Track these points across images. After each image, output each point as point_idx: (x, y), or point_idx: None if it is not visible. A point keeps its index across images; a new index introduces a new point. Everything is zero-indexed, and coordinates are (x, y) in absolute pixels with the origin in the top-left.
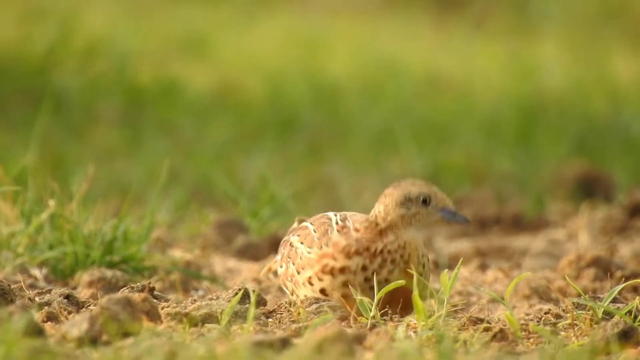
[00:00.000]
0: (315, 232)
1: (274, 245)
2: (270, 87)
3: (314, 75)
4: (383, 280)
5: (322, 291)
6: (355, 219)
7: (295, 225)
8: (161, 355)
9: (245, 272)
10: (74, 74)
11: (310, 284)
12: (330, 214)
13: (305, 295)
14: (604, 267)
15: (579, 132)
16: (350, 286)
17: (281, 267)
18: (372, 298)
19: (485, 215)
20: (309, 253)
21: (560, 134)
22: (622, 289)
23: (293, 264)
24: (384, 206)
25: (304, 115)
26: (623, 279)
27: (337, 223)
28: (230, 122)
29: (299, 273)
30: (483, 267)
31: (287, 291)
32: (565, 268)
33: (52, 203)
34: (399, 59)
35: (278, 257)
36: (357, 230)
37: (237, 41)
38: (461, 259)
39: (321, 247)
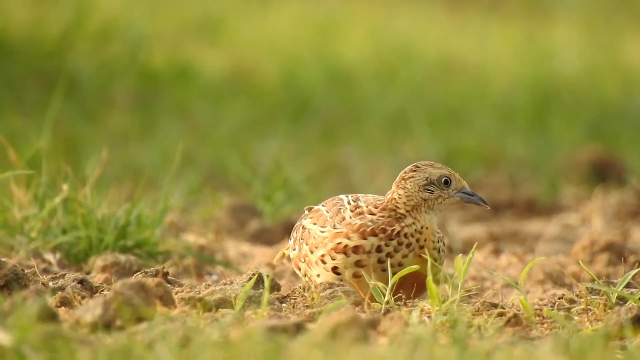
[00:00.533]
0: (327, 212)
1: (287, 229)
2: (285, 70)
3: (327, 59)
4: (397, 263)
5: (334, 269)
6: (369, 201)
7: (305, 213)
8: (175, 340)
9: (259, 257)
10: (88, 56)
11: (323, 262)
12: (342, 196)
13: (318, 275)
14: (617, 252)
15: (592, 116)
16: (363, 269)
17: (294, 249)
18: (385, 281)
19: (498, 199)
20: (322, 232)
21: (573, 118)
22: (636, 273)
23: (306, 244)
24: (404, 190)
25: (317, 99)
26: (636, 263)
27: (349, 204)
28: (244, 106)
29: (312, 252)
30: (497, 252)
31: (299, 273)
32: (579, 253)
33: (65, 187)
34: (412, 43)
35: (290, 241)
36: (371, 212)
37: (252, 25)
38: (475, 244)
39: (334, 227)
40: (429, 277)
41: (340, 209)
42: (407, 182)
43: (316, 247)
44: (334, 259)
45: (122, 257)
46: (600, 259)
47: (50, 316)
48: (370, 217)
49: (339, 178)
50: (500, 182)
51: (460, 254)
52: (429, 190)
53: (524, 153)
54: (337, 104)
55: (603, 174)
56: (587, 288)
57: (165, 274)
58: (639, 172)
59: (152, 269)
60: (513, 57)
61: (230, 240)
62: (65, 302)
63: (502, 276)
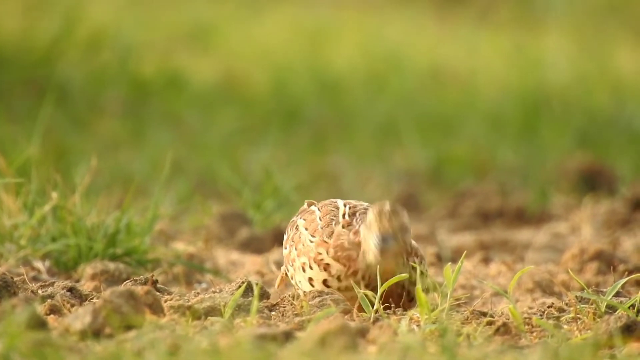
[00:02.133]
0: (320, 219)
1: (277, 237)
2: (275, 79)
3: (318, 67)
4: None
5: (310, 280)
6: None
7: (305, 206)
8: (164, 348)
9: (249, 265)
10: (78, 64)
11: (303, 270)
12: (340, 203)
13: (300, 281)
14: (607, 261)
15: (582, 125)
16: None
17: (285, 248)
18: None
19: (488, 208)
20: (311, 242)
21: (563, 127)
22: (625, 282)
23: (295, 248)
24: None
25: (308, 107)
26: (626, 272)
27: (343, 216)
28: (235, 114)
29: (298, 257)
30: (486, 261)
31: (288, 275)
32: (569, 261)
33: (55, 195)
34: (403, 52)
35: (285, 237)
36: (356, 233)
37: (243, 33)
38: (464, 252)
39: (322, 237)
40: (418, 286)
41: (332, 220)
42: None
43: (303, 254)
44: (311, 269)
45: (112, 265)
46: (589, 267)
47: (39, 324)
48: (352, 238)
49: (329, 186)
50: (490, 190)
51: (450, 263)
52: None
53: (513, 161)
54: (328, 112)
55: (593, 182)
56: (576, 297)
57: (155, 282)
58: (628, 180)
59: (141, 277)
60: (503, 66)
61: (219, 249)
62: (55, 310)
63: (491, 285)
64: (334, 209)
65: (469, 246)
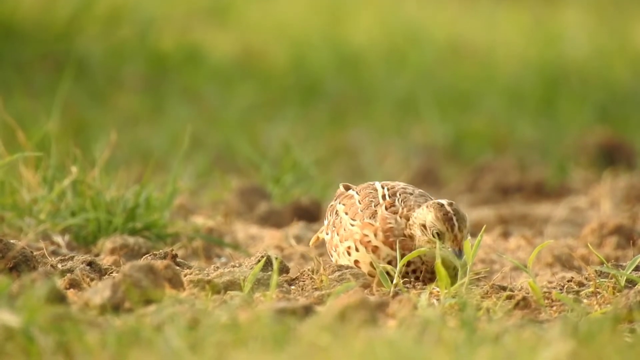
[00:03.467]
0: (359, 202)
1: (296, 212)
2: (294, 54)
3: (337, 42)
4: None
5: (356, 262)
6: (406, 201)
7: (340, 189)
8: (184, 322)
9: (268, 239)
10: (97, 39)
11: (349, 254)
12: (377, 185)
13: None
14: (626, 235)
15: (601, 99)
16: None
17: (327, 234)
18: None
19: (507, 182)
20: (352, 225)
21: (582, 101)
22: None
23: (337, 234)
24: (415, 217)
25: (327, 82)
26: None
27: (384, 197)
28: (253, 89)
29: (341, 243)
30: (505, 235)
31: (332, 261)
32: (588, 236)
33: (74, 169)
34: (422, 26)
35: (325, 222)
36: (405, 217)
37: (261, 8)
38: (484, 227)
39: (363, 220)
40: (438, 261)
41: (372, 201)
42: (420, 212)
43: (345, 239)
44: (357, 251)
45: (131, 240)
46: (609, 242)
47: (58, 298)
48: (401, 222)
49: (348, 161)
50: (509, 165)
51: (469, 237)
52: (422, 231)
53: (532, 136)
54: (347, 87)
55: (612, 157)
56: (595, 271)
57: (174, 257)
58: None
59: (160, 251)
60: (522, 41)
61: (239, 223)
62: (74, 284)
63: (510, 259)
64: (372, 191)
65: (488, 220)
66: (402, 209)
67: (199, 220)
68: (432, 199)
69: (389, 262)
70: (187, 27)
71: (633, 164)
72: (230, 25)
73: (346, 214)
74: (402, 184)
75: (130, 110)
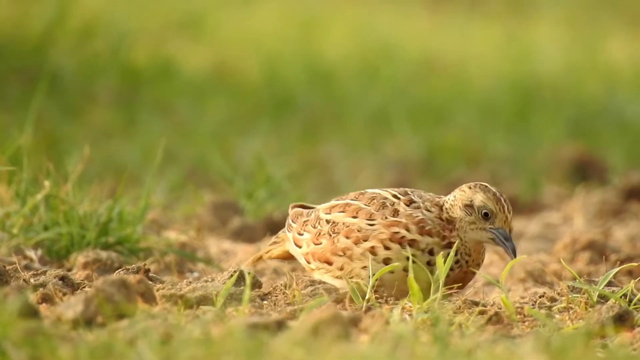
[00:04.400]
0: (367, 205)
1: (269, 227)
2: (267, 67)
3: (310, 56)
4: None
5: (386, 261)
6: (423, 197)
7: (291, 211)
8: (156, 336)
9: (241, 254)
10: (71, 53)
11: (374, 254)
12: (376, 190)
13: (364, 267)
14: (599, 251)
15: (573, 115)
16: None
17: (307, 245)
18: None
19: None
20: (371, 225)
21: (555, 116)
22: (617, 272)
23: (346, 237)
24: (453, 199)
25: (300, 96)
26: (618, 262)
27: (397, 197)
28: (227, 103)
29: (356, 244)
30: None
31: (313, 267)
32: (561, 251)
33: (47, 184)
34: (395, 41)
35: (289, 234)
36: (427, 209)
37: (234, 21)
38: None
39: (386, 218)
40: (410, 275)
41: (384, 202)
42: (458, 193)
43: (364, 240)
44: (388, 249)
45: (104, 254)
46: (581, 257)
47: (31, 313)
48: (427, 214)
49: (321, 175)
50: (482, 179)
51: (442, 252)
52: (467, 211)
53: (505, 151)
54: (320, 101)
55: (585, 172)
56: (568, 286)
57: (147, 271)
58: (620, 170)
59: (133, 265)
60: (495, 55)
61: (211, 238)
62: (47, 299)
63: (483, 274)
64: (373, 194)
65: None
66: (424, 202)
67: (172, 235)
68: (439, 196)
69: (430, 251)
70: (160, 41)
71: (605, 179)
72: (203, 39)
73: (354, 217)
74: (416, 191)
75: (103, 125)
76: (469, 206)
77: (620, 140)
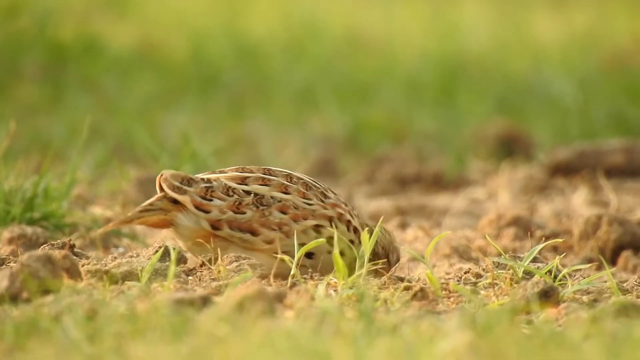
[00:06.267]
0: (292, 184)
1: None
2: (193, 44)
3: (236, 33)
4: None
5: (329, 241)
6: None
7: (167, 176)
8: (81, 312)
9: (166, 230)
10: None
11: (317, 232)
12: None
13: (303, 244)
14: (524, 227)
15: (500, 91)
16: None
17: (222, 212)
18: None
19: (405, 173)
20: (309, 205)
21: (481, 93)
22: (542, 248)
23: (283, 212)
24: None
25: (226, 73)
26: (543, 238)
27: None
28: (153, 80)
29: (295, 221)
30: (403, 226)
31: (222, 234)
32: (486, 227)
33: None
34: (320, 18)
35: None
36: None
37: None
38: (381, 217)
39: (322, 200)
40: (336, 251)
41: (307, 184)
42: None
43: (304, 218)
44: (336, 227)
45: (29, 230)
46: (506, 233)
47: None
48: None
49: (246, 151)
50: (408, 156)
51: (367, 228)
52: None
53: (431, 127)
54: (246, 78)
55: (510, 148)
56: (493, 262)
57: (72, 247)
58: (546, 146)
59: (58, 241)
60: (420, 32)
61: None
62: None
63: (408, 250)
64: (297, 179)
65: (386, 211)
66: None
67: (97, 211)
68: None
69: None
70: (86, 17)
71: (531, 155)
72: (129, 16)
73: (285, 192)
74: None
75: (29, 101)
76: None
77: (546, 117)
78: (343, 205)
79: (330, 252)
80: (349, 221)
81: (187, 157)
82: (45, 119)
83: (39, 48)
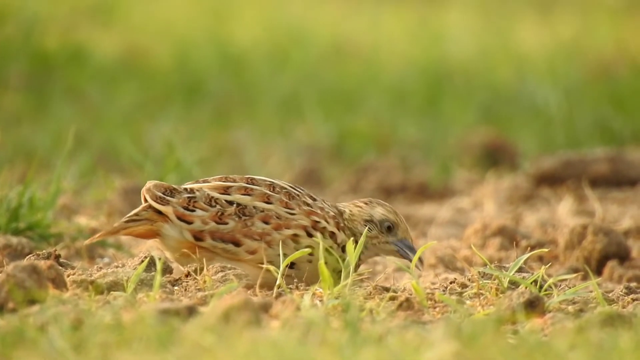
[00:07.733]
0: (275, 193)
1: None
2: (177, 53)
3: (221, 41)
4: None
5: (310, 246)
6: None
7: (150, 187)
8: (67, 322)
9: (151, 240)
10: None
11: (295, 241)
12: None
13: (285, 254)
14: (509, 236)
15: (484, 100)
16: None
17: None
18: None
19: (390, 183)
20: (291, 214)
21: (466, 101)
22: (528, 258)
23: (264, 222)
24: (352, 212)
25: (210, 81)
26: (528, 248)
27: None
28: (137, 88)
29: (277, 230)
30: None
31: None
32: (471, 237)
33: None
34: (305, 26)
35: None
36: (329, 209)
37: (145, 7)
38: (366, 227)
39: (301, 208)
40: (321, 261)
41: (290, 194)
42: (356, 208)
43: (286, 227)
44: (311, 236)
45: (14, 240)
46: (492, 243)
47: None
48: (333, 212)
49: (231, 161)
50: (392, 165)
51: (352, 238)
52: (368, 227)
53: (416, 136)
54: (230, 86)
55: (495, 157)
56: (479, 272)
57: (57, 257)
58: (531, 156)
59: (44, 251)
60: (406, 40)
61: None
62: None
63: (394, 260)
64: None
65: None
66: (323, 200)
67: (83, 221)
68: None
69: (343, 248)
70: (71, 26)
71: (516, 164)
72: (114, 24)
73: (267, 202)
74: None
75: (14, 109)
76: (369, 221)
77: (531, 126)
78: (319, 211)
79: (310, 262)
80: (324, 228)
81: (172, 166)
82: (29, 128)
83: (23, 56)
